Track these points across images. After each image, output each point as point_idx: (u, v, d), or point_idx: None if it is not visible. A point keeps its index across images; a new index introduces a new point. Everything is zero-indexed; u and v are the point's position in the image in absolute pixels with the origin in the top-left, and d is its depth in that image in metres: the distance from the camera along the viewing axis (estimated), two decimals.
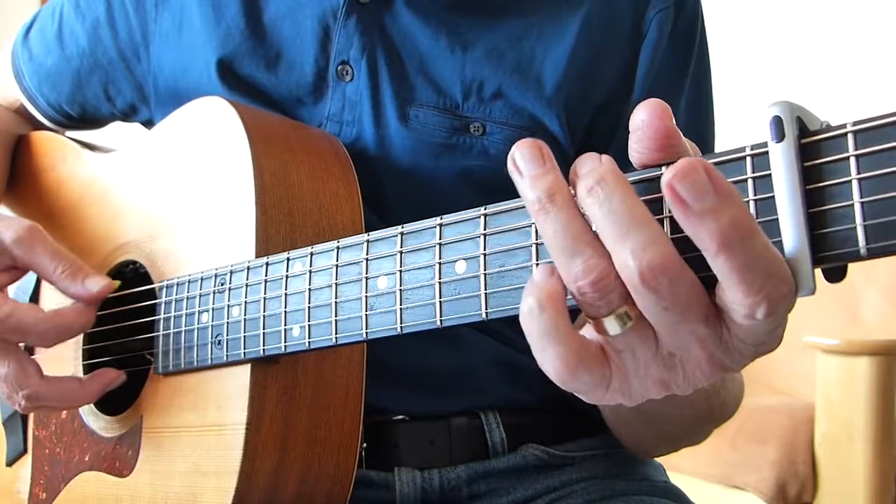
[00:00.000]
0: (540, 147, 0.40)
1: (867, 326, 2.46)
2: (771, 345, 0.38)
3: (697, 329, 0.37)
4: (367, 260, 0.52)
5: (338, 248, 0.54)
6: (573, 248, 0.38)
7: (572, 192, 0.39)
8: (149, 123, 0.87)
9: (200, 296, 0.64)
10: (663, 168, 0.39)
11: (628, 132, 0.39)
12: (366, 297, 0.51)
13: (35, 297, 0.83)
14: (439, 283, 0.47)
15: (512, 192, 0.44)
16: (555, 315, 0.38)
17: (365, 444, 0.71)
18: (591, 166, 0.38)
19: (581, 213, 0.38)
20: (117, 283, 0.68)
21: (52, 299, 0.79)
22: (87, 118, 0.91)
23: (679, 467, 1.96)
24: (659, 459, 0.83)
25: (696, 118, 0.79)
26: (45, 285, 0.82)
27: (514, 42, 0.74)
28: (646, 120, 0.37)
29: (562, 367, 0.38)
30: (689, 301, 0.36)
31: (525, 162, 0.39)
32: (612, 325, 0.38)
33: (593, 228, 0.38)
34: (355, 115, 0.74)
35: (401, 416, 0.73)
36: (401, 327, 0.49)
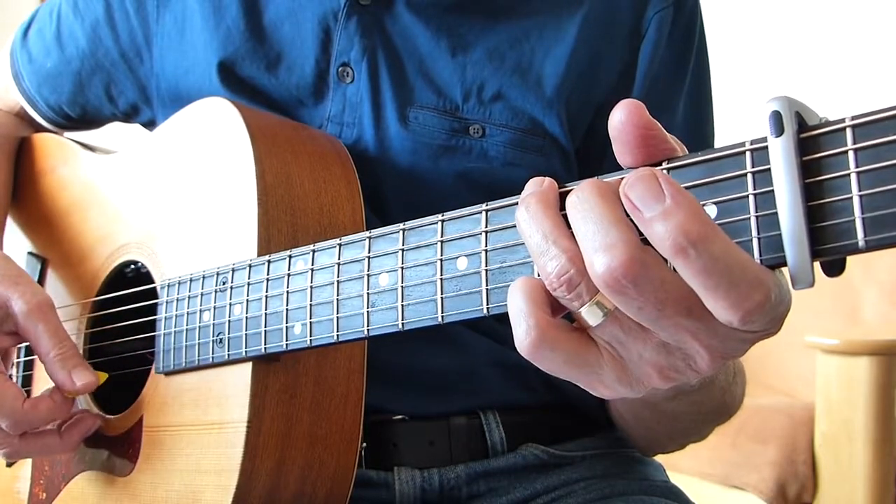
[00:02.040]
0: None
1: (867, 326, 2.45)
2: (771, 330, 0.38)
3: (681, 322, 0.38)
4: (368, 257, 0.52)
5: (340, 245, 0.54)
6: (542, 245, 0.40)
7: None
8: (150, 124, 0.86)
9: (202, 294, 0.64)
10: (664, 163, 0.39)
11: None
12: (367, 294, 0.51)
13: None
14: (440, 279, 0.47)
15: (511, 194, 0.44)
16: (527, 296, 0.40)
17: (365, 444, 0.71)
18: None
19: (557, 214, 0.40)
20: (105, 375, 0.70)
21: None
22: (87, 119, 0.91)
23: (679, 467, 1.96)
24: (659, 459, 0.83)
25: (695, 116, 0.79)
26: None
27: (515, 43, 0.75)
28: (622, 119, 0.39)
29: (524, 340, 0.40)
30: (664, 299, 0.37)
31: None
32: (589, 317, 0.39)
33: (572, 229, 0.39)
34: (356, 116, 0.74)
35: (400, 416, 0.73)
36: (402, 324, 0.49)
